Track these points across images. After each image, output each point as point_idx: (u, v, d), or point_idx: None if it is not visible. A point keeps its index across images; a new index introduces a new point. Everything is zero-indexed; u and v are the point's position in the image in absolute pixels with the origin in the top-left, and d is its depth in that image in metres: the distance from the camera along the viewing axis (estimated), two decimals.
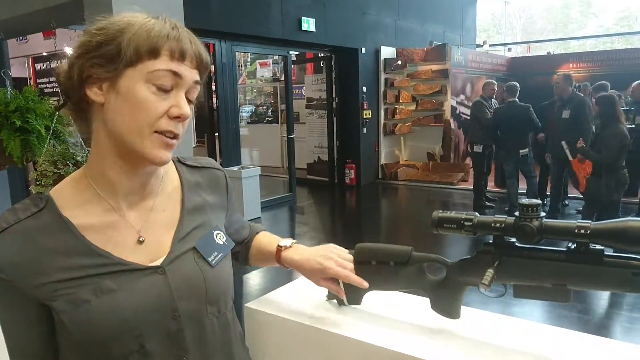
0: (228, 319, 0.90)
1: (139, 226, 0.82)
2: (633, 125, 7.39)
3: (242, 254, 1.09)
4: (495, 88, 6.76)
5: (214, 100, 6.93)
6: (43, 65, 9.27)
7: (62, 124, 2.59)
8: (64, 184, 0.82)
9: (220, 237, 0.90)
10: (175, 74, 0.75)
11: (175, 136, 0.77)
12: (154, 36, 0.73)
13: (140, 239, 0.81)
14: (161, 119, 0.75)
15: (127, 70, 0.74)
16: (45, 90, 8.32)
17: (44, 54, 8.94)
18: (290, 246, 1.05)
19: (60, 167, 2.24)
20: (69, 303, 0.74)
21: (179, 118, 0.76)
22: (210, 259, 0.85)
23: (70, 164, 2.27)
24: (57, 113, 2.56)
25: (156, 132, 0.75)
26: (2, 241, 0.75)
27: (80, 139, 2.64)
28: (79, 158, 2.32)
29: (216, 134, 7.03)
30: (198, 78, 0.79)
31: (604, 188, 4.38)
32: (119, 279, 0.77)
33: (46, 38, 8.07)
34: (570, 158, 5.20)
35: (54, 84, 8.69)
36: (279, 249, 1.04)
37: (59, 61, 8.86)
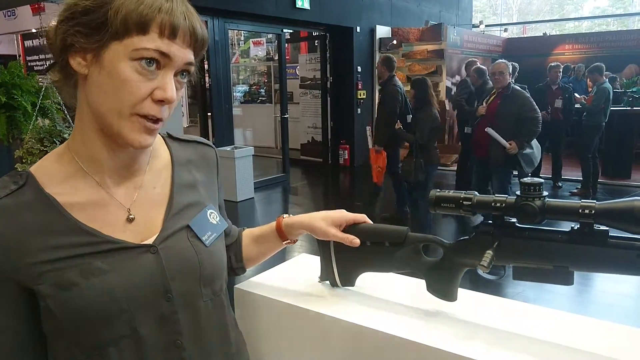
0: (223, 302, 0.87)
1: (128, 204, 0.78)
2: (629, 108, 7.42)
3: (234, 254, 1.01)
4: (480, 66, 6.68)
5: (207, 79, 6.84)
6: (32, 43, 9.08)
7: (49, 101, 2.54)
8: (46, 160, 0.77)
9: (213, 217, 0.86)
10: (164, 54, 0.68)
11: (157, 120, 0.71)
12: (144, 8, 0.67)
13: (130, 217, 0.77)
14: (144, 102, 0.69)
15: (112, 44, 0.68)
16: (35, 68, 8.17)
17: (33, 30, 8.76)
18: (289, 215, 1.02)
19: (47, 145, 2.20)
20: (56, 286, 0.69)
21: (162, 102, 0.70)
22: (204, 238, 0.82)
23: (57, 141, 2.22)
24: (43, 89, 2.50)
25: (137, 114, 0.70)
26: None
27: (69, 116, 2.58)
28: (66, 135, 2.27)
29: (209, 114, 6.95)
30: (192, 59, 0.73)
31: (417, 167, 4.57)
32: (109, 259, 0.72)
33: (35, 14, 7.89)
34: (370, 146, 5.22)
35: (44, 62, 8.55)
36: (280, 219, 1.00)
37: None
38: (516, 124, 4.40)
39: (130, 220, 0.77)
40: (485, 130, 4.53)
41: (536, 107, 4.46)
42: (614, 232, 0.77)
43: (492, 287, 3.37)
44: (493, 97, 4.73)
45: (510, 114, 4.42)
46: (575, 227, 0.79)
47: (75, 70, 0.71)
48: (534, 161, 4.51)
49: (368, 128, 5.24)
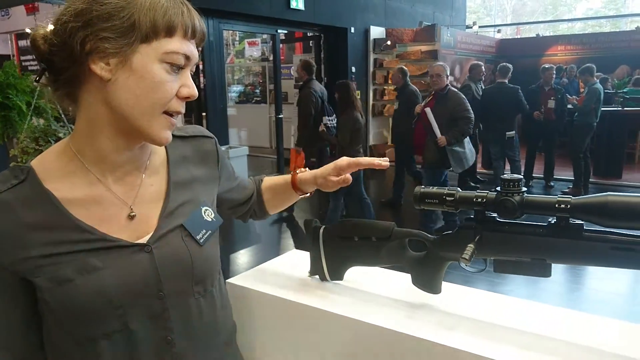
0: (214, 296, 0.88)
1: (129, 201, 0.79)
2: (620, 108, 7.48)
3: (258, 206, 1.11)
4: (484, 69, 6.74)
5: (201, 79, 6.85)
6: (27, 42, 9.06)
7: (44, 100, 2.55)
8: (47, 156, 0.79)
9: (208, 214, 0.87)
10: (187, 57, 0.74)
11: (177, 115, 0.77)
12: (172, 13, 0.71)
13: (132, 214, 0.79)
14: (173, 100, 0.74)
15: (140, 47, 0.70)
16: (30, 68, 8.15)
17: (28, 30, 8.73)
18: (305, 170, 1.08)
19: (42, 144, 2.21)
20: (51, 280, 0.72)
21: (188, 98, 0.76)
22: (198, 237, 0.83)
23: (52, 140, 2.24)
24: (38, 89, 2.52)
25: (166, 112, 0.74)
26: None
27: (64, 116, 2.60)
28: (61, 135, 2.29)
29: (203, 114, 6.96)
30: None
31: None
32: (104, 256, 0.74)
33: (29, 14, 7.88)
34: (292, 146, 5.33)
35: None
36: (294, 174, 1.07)
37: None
38: (450, 123, 4.51)
39: (131, 217, 0.79)
40: (425, 109, 4.66)
41: (469, 108, 4.59)
42: (589, 226, 0.81)
43: (485, 284, 3.41)
44: (430, 98, 4.85)
45: (444, 114, 4.54)
46: (552, 222, 0.83)
47: (91, 75, 0.71)
48: (464, 162, 4.61)
49: (293, 128, 5.40)
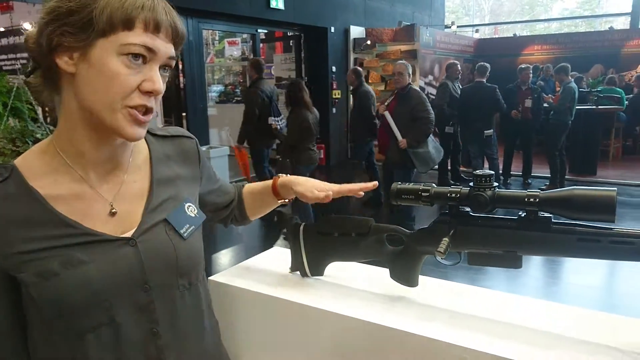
0: (199, 291, 0.90)
1: (111, 197, 0.81)
2: (594, 106, 7.65)
3: (239, 211, 1.12)
4: (460, 68, 6.82)
5: (181, 79, 6.81)
6: (1, 42, 8.89)
7: (21, 101, 2.52)
8: (30, 154, 0.80)
9: (191, 210, 0.89)
10: (149, 49, 0.73)
11: (147, 111, 0.75)
12: (128, 6, 0.71)
13: (113, 211, 0.80)
14: (133, 94, 0.73)
15: (98, 41, 0.71)
16: (4, 68, 8.00)
17: (1, 29, 8.58)
18: (286, 175, 1.09)
19: (19, 145, 2.19)
20: (37, 275, 0.72)
21: (151, 93, 0.74)
22: (182, 231, 0.85)
23: (29, 141, 2.22)
24: (14, 90, 2.49)
25: (128, 106, 0.73)
26: None
27: (41, 116, 2.57)
28: (38, 135, 2.27)
29: (183, 114, 6.92)
30: (173, 53, 0.77)
31: (281, 166, 4.77)
32: (89, 251, 0.75)
33: (4, 12, 7.75)
34: (232, 145, 5.48)
35: (13, 61, 8.38)
36: (276, 178, 1.08)
37: (19, 36, 8.52)
38: (410, 122, 4.51)
39: (112, 213, 0.80)
40: (384, 112, 4.68)
41: (429, 108, 4.58)
42: (557, 219, 0.84)
43: (465, 279, 3.47)
44: (392, 97, 4.86)
45: (405, 113, 4.55)
46: (522, 215, 0.86)
47: (62, 70, 0.73)
48: (429, 162, 4.61)
49: (227, 128, 5.47)
